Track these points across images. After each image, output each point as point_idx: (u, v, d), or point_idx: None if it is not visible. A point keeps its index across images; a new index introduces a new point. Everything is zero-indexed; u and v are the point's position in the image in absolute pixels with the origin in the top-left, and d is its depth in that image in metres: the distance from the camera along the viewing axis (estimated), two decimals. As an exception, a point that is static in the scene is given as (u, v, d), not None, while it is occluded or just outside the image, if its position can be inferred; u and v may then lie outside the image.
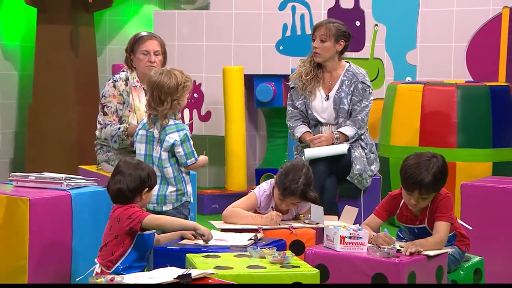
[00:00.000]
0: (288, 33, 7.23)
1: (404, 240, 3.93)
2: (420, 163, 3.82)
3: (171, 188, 4.36)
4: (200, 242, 3.86)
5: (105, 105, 5.03)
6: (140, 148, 4.42)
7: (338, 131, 5.11)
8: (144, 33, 5.17)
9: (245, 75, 7.12)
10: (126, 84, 5.04)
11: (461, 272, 4.03)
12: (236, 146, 7.04)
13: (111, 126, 4.97)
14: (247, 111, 7.28)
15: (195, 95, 7.26)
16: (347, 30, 5.25)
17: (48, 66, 7.41)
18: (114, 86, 5.03)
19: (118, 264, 3.61)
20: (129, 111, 5.04)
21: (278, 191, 4.29)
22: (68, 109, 7.34)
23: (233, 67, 7.06)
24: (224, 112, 7.07)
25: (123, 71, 5.13)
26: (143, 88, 5.06)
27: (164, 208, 4.34)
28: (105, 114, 5.05)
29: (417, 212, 3.92)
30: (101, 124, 5.06)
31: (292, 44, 7.18)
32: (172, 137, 4.32)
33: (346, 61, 5.30)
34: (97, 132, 5.11)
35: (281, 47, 7.24)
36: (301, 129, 5.20)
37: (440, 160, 3.86)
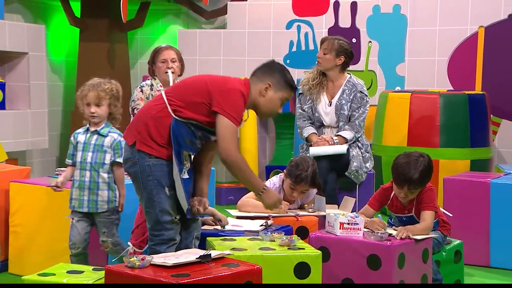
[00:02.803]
0: (294, 49, 7.23)
1: (394, 227, 3.91)
2: (409, 162, 3.80)
3: None
4: (218, 227, 3.86)
5: (135, 108, 5.04)
6: None
7: (338, 135, 5.12)
8: (163, 45, 5.18)
9: (257, 85, 7.09)
10: (151, 89, 5.06)
11: (444, 253, 4.03)
12: (249, 146, 7.03)
13: None
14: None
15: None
16: (350, 49, 5.23)
17: (88, 77, 7.36)
18: (142, 91, 5.05)
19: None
20: None
21: (290, 180, 4.28)
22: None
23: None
24: (239, 117, 7.04)
25: (149, 79, 5.15)
26: None
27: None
28: (134, 115, 5.06)
29: (405, 203, 3.91)
30: None
31: (298, 58, 7.18)
32: None
33: (348, 73, 5.30)
34: None
35: (288, 61, 7.23)
36: (309, 130, 5.21)
37: (426, 159, 3.85)
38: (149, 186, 3.36)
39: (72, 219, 3.87)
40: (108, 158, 3.86)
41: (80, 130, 3.98)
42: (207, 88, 3.37)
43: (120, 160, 3.76)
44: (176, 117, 3.35)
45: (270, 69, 3.52)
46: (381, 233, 3.55)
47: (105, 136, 3.89)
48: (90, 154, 3.87)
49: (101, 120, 3.93)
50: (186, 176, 3.42)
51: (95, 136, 3.90)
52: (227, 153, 3.35)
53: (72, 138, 3.97)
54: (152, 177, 3.35)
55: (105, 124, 3.93)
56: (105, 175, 3.86)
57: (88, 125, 3.93)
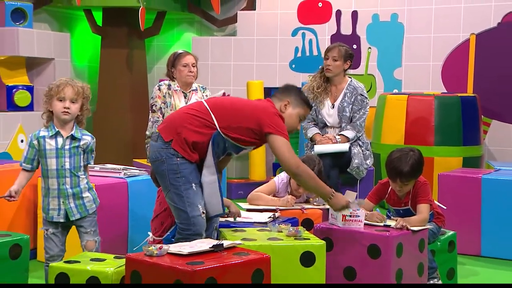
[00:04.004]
0: (299, 54, 7.22)
1: (393, 217, 3.90)
2: (400, 157, 3.80)
3: None
4: (230, 219, 3.86)
5: (153, 104, 5.11)
6: None
7: (340, 134, 5.12)
8: (181, 51, 5.23)
9: (264, 87, 7.10)
10: (169, 88, 5.11)
11: (438, 243, 4.01)
12: (258, 144, 7.02)
13: (157, 123, 4.98)
14: (266, 116, 7.25)
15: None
16: (353, 53, 5.29)
17: (109, 81, 7.45)
18: (159, 89, 5.13)
19: (168, 233, 3.60)
20: (170, 110, 5.05)
21: None
22: (124, 115, 7.37)
23: (255, 81, 7.05)
24: (248, 117, 7.04)
25: (167, 81, 5.19)
26: (182, 92, 5.13)
27: None
28: (153, 111, 5.12)
29: (402, 196, 3.90)
30: (151, 120, 5.11)
31: (302, 63, 7.17)
32: None
33: (349, 77, 5.29)
34: (147, 132, 5.13)
35: (293, 65, 7.22)
36: (312, 131, 5.21)
37: (416, 154, 3.84)
38: (177, 183, 3.38)
39: (46, 230, 3.49)
40: (82, 160, 3.51)
41: (44, 133, 3.46)
42: (254, 115, 3.45)
43: (91, 162, 3.56)
44: (223, 135, 3.41)
45: (287, 90, 3.66)
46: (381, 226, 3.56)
47: (79, 140, 3.49)
48: (67, 160, 3.45)
49: (71, 120, 3.48)
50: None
51: (68, 140, 3.47)
52: (296, 165, 3.44)
53: (35, 142, 3.45)
54: (180, 175, 3.38)
55: (74, 126, 3.50)
56: (83, 177, 3.52)
57: (52, 128, 3.46)
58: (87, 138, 3.53)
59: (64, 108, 3.42)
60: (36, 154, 3.47)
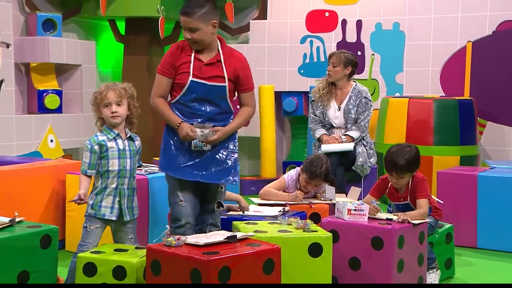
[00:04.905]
0: (307, 60, 7.20)
1: (394, 213, 3.88)
2: (397, 151, 3.80)
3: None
4: (239, 213, 3.88)
5: None
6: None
7: (346, 134, 5.10)
8: None
9: (275, 91, 7.10)
10: None
11: (436, 236, 4.00)
12: (268, 144, 7.02)
13: None
14: (276, 118, 7.25)
15: (238, 106, 7.23)
16: (355, 59, 5.21)
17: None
18: None
19: None
20: None
21: (306, 175, 4.26)
22: (145, 116, 7.27)
23: (266, 86, 7.03)
24: (259, 119, 7.05)
25: None
26: None
27: None
28: None
29: (400, 190, 3.88)
30: None
31: (310, 69, 7.15)
32: None
33: (354, 81, 5.27)
34: None
35: (302, 71, 7.20)
36: (320, 132, 5.18)
37: (413, 149, 3.83)
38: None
39: (90, 226, 3.35)
40: (136, 162, 3.45)
41: (102, 137, 3.35)
42: None
43: (141, 163, 3.51)
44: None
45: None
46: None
47: (134, 141, 3.45)
48: (128, 160, 3.37)
49: (121, 122, 3.37)
50: None
51: (127, 142, 3.40)
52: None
53: (96, 147, 3.31)
54: None
55: (125, 128, 3.41)
56: (135, 179, 3.45)
57: (110, 131, 3.35)
58: (138, 139, 3.49)
59: (112, 113, 3.33)
60: (97, 159, 3.33)
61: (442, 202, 4.24)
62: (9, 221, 3.23)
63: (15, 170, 4.29)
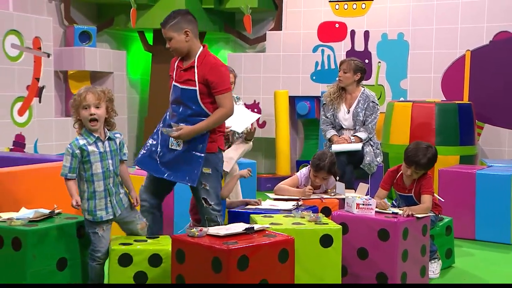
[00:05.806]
0: (319, 68, 7.18)
1: (398, 207, 3.86)
2: (419, 148, 3.79)
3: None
4: (260, 206, 3.88)
5: None
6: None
7: (354, 135, 5.08)
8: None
9: (289, 96, 7.09)
10: None
11: (437, 228, 3.99)
12: (283, 144, 7.01)
13: None
14: (290, 120, 7.23)
15: (255, 110, 7.24)
16: (364, 66, 5.22)
17: (158, 92, 7.47)
18: None
19: None
20: None
21: (312, 169, 4.25)
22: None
23: (281, 91, 7.02)
24: (275, 121, 7.04)
25: None
26: None
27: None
28: None
29: (407, 182, 3.86)
30: None
31: (322, 75, 7.13)
32: None
33: (362, 86, 5.25)
34: None
35: (314, 77, 7.18)
36: (331, 132, 5.17)
37: (434, 150, 3.85)
38: None
39: (95, 231, 3.16)
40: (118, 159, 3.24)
41: (83, 141, 3.13)
42: None
43: (126, 157, 3.28)
44: None
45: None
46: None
47: (114, 140, 3.22)
48: (110, 161, 3.16)
49: (100, 124, 3.15)
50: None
51: (107, 143, 3.18)
52: None
53: (77, 151, 3.09)
54: None
55: (104, 128, 3.20)
56: (119, 176, 3.25)
57: (90, 134, 3.14)
58: (118, 136, 3.26)
59: (90, 115, 3.11)
60: (78, 162, 3.11)
61: (443, 200, 4.22)
62: (49, 212, 3.27)
63: (38, 168, 4.09)
